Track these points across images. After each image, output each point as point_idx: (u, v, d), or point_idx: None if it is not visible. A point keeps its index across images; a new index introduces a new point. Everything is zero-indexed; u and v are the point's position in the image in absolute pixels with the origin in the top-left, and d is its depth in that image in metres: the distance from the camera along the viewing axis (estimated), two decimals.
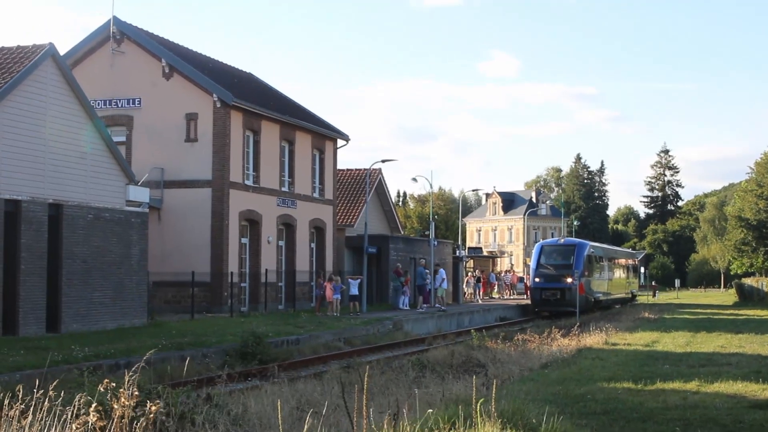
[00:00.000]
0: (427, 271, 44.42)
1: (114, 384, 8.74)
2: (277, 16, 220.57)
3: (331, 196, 44.55)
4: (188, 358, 16.61)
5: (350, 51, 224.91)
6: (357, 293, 38.00)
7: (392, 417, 8.52)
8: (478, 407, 8.86)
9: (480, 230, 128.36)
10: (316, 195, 42.84)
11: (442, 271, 43.51)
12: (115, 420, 8.09)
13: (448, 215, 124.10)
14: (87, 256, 26.00)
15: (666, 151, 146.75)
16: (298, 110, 43.45)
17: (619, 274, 60.83)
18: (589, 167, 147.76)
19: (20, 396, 8.67)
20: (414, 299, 43.62)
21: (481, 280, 57.74)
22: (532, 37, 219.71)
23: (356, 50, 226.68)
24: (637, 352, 24.18)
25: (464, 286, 55.07)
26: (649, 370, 18.90)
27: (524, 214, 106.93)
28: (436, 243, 48.96)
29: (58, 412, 8.41)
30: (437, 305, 42.46)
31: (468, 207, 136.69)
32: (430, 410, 9.51)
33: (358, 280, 38.59)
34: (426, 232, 69.92)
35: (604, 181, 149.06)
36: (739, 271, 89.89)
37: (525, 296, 58.35)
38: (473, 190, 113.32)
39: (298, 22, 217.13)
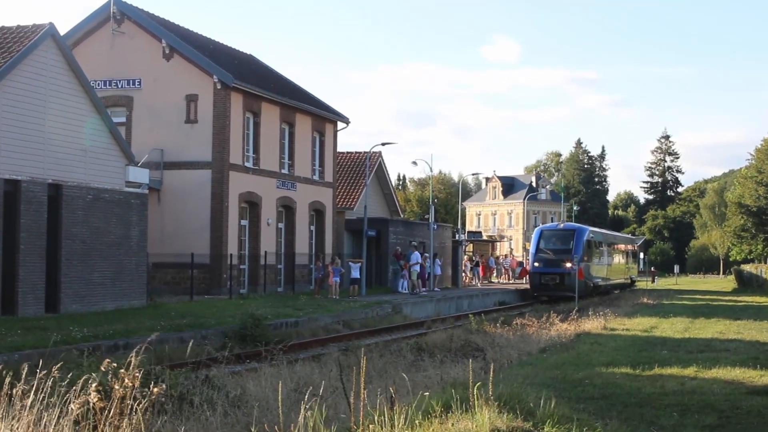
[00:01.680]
0: (427, 255, 44.37)
1: (115, 365, 8.75)
2: None
3: (331, 178, 44.53)
4: (187, 340, 16.63)
5: (352, 36, 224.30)
6: (358, 276, 37.97)
7: (389, 399, 8.53)
8: (475, 391, 8.86)
9: (480, 214, 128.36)
10: (315, 177, 42.81)
11: (416, 253, 42.30)
12: (116, 401, 8.09)
13: (447, 199, 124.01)
14: (86, 237, 25.99)
15: (666, 137, 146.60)
16: (298, 92, 43.35)
17: (618, 259, 60.80)
18: (589, 152, 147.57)
19: (23, 376, 8.67)
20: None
21: (480, 264, 57.74)
22: (533, 21, 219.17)
23: (358, 35, 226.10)
24: (635, 337, 24.22)
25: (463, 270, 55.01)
26: (647, 356, 18.93)
27: (524, 199, 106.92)
28: (435, 227, 48.93)
29: (58, 391, 8.43)
30: (417, 289, 41.56)
31: (468, 191, 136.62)
32: (427, 393, 9.51)
33: (359, 264, 38.55)
34: (426, 216, 69.92)
35: (604, 166, 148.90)
36: (738, 258, 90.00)
37: (524, 281, 58.38)
38: (473, 174, 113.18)
39: (301, 5, 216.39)
